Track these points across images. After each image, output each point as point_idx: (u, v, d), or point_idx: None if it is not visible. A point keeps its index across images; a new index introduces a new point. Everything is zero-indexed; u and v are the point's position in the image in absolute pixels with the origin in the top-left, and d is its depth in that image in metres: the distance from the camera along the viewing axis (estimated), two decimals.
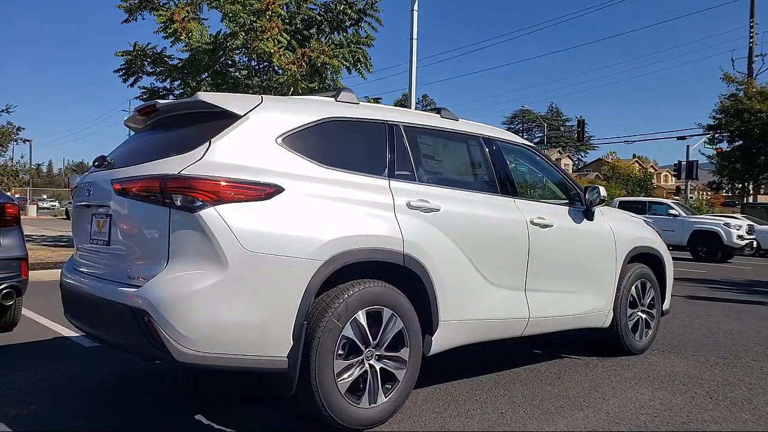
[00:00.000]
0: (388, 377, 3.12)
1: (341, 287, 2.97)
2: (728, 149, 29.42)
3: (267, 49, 12.68)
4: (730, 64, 46.04)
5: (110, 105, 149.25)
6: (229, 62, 14.00)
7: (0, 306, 4.76)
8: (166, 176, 2.66)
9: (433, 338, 3.36)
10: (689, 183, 34.05)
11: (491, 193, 3.86)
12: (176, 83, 14.81)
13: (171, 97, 15.29)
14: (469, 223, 3.58)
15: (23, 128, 24.18)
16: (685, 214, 18.34)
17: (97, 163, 3.28)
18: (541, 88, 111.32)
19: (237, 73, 14.17)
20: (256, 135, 2.93)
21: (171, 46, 13.54)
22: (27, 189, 45.79)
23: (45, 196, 61.25)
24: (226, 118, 2.93)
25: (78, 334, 5.11)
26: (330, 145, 3.21)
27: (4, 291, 4.52)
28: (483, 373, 4.12)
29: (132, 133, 4.01)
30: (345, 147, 3.31)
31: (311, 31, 14.05)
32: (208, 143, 2.79)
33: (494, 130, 4.19)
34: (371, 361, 3.07)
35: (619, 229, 4.62)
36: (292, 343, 2.77)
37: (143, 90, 14.93)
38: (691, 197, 37.89)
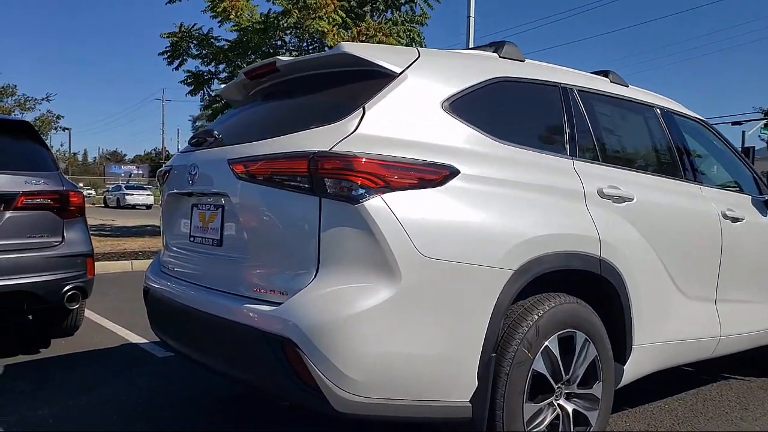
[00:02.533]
0: (579, 422, 2.36)
1: (527, 305, 2.22)
2: None
3: (320, 28, 11.96)
4: None
5: (145, 94, 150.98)
6: (279, 43, 13.31)
7: (63, 309, 4.14)
8: (318, 154, 1.92)
9: (624, 368, 2.59)
10: None
11: (676, 177, 3.05)
12: (221, 66, 14.22)
13: (216, 81, 14.72)
14: (663, 216, 2.79)
15: (62, 116, 23.87)
16: None
17: (196, 140, 2.57)
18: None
19: (287, 55, 13.46)
20: (418, 99, 2.18)
21: (219, 26, 12.94)
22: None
23: (81, 185, 62.00)
24: (376, 78, 2.18)
25: (146, 341, 4.50)
26: (501, 113, 2.45)
27: (69, 293, 3.88)
28: (644, 402, 3.32)
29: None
30: (517, 116, 2.54)
31: (365, 9, 13.25)
32: (360, 110, 2.04)
33: (666, 100, 3.37)
34: (561, 401, 2.32)
35: None
36: (477, 383, 2.03)
37: (188, 74, 14.38)
38: None
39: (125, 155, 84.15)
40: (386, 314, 1.87)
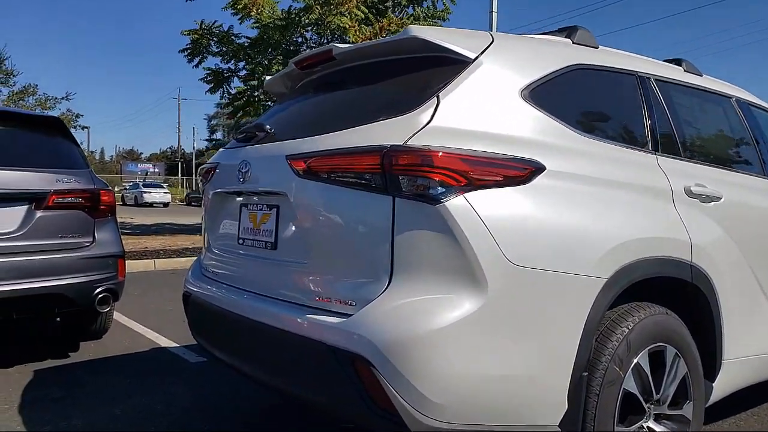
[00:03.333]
0: None
1: (614, 317, 2.00)
2: None
3: (342, 24, 11.79)
4: None
5: (160, 93, 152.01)
6: (299, 40, 13.15)
7: (92, 311, 3.99)
8: (392, 149, 1.71)
9: (714, 385, 2.36)
10: None
11: (759, 174, 2.81)
12: (241, 64, 14.09)
13: (235, 79, 14.61)
14: (751, 217, 2.57)
15: (82, 115, 23.85)
16: None
17: (245, 135, 2.37)
18: None
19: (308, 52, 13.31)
20: (495, 87, 1.96)
21: (240, 23, 12.80)
22: None
23: None
24: (447, 64, 1.97)
25: (176, 344, 4.33)
26: (580, 103, 2.24)
27: (100, 295, 3.72)
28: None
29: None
30: (596, 107, 2.32)
31: (387, 4, 13.05)
32: (434, 99, 1.83)
33: (740, 89, 3.12)
34: (650, 423, 2.09)
35: None
36: (567, 405, 1.81)
37: (207, 71, 14.27)
38: None
39: (141, 153, 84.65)
40: (471, 330, 1.66)
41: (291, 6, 12.27)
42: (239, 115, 14.10)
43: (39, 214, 3.57)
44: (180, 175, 62.72)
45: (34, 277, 3.43)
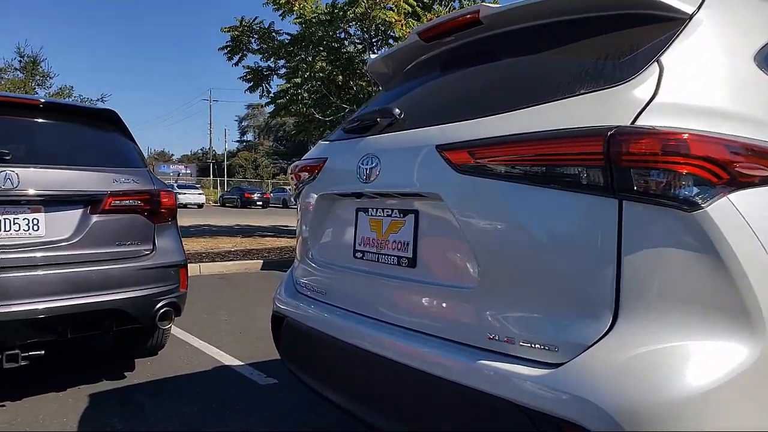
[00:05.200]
0: None
1: None
2: None
3: (388, 19, 11.32)
4: None
5: (192, 94, 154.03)
6: (342, 35, 12.72)
7: (150, 327, 3.58)
8: (620, 131, 1.20)
9: None
10: None
11: None
12: (281, 62, 13.74)
13: (274, 77, 14.27)
14: None
15: None
16: None
17: (360, 124, 1.89)
18: None
19: (351, 47, 12.87)
20: (725, 50, 1.44)
21: (282, 19, 12.42)
22: None
23: None
24: (655, 22, 1.45)
25: (240, 362, 3.89)
26: None
27: (161, 311, 3.29)
28: None
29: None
30: None
31: None
32: (656, 66, 1.32)
33: None
34: None
35: None
36: None
37: (247, 69, 13.96)
38: None
39: (172, 155, 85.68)
40: (751, 391, 1.14)
41: (336, 0, 11.84)
42: (282, 113, 13.74)
43: (95, 218, 3.15)
44: (212, 176, 63.16)
45: (90, 290, 3.02)
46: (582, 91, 1.34)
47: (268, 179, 62.61)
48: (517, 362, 1.30)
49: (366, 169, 1.74)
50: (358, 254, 1.85)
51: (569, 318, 1.26)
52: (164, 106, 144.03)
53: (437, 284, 1.55)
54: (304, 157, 2.26)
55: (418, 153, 1.56)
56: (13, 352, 2.85)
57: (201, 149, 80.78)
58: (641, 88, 1.28)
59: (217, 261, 9.04)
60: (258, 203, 37.16)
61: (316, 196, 2.06)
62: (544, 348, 1.27)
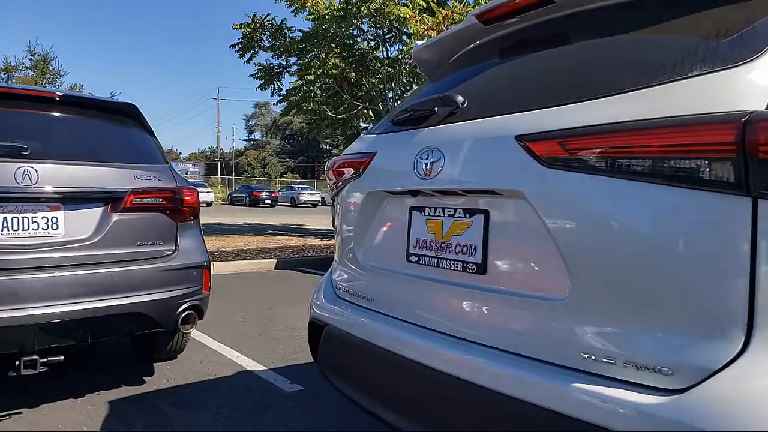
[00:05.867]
0: None
1: None
2: None
3: (402, 15, 11.14)
4: None
5: (199, 93, 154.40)
6: (355, 32, 12.55)
7: (172, 331, 3.43)
8: (756, 118, 1.03)
9: None
10: None
11: None
12: (292, 59, 13.58)
13: (286, 74, 14.12)
14: None
15: None
16: None
17: (411, 115, 1.72)
18: None
19: (364, 44, 12.71)
20: None
21: (294, 16, 12.27)
22: None
23: None
24: None
25: (263, 367, 3.73)
26: None
27: (183, 314, 3.13)
28: None
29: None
30: None
31: None
32: None
33: None
34: None
35: None
36: None
37: (258, 67, 13.82)
38: None
39: (180, 153, 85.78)
40: None
41: None
42: (294, 111, 13.59)
43: (115, 217, 3.00)
44: (219, 174, 63.19)
45: (111, 293, 2.86)
46: (694, 73, 1.16)
47: (276, 178, 62.58)
48: (619, 386, 1.13)
49: (425, 164, 1.57)
50: (412, 258, 1.68)
51: (688, 336, 1.08)
52: (172, 104, 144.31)
53: (514, 294, 1.38)
54: (345, 152, 2.09)
55: (494, 145, 1.39)
56: (31, 358, 2.70)
57: (209, 148, 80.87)
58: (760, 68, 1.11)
59: (230, 260, 8.89)
60: (266, 202, 37.05)
61: (362, 194, 1.89)
62: (655, 371, 1.10)
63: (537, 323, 1.32)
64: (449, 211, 1.57)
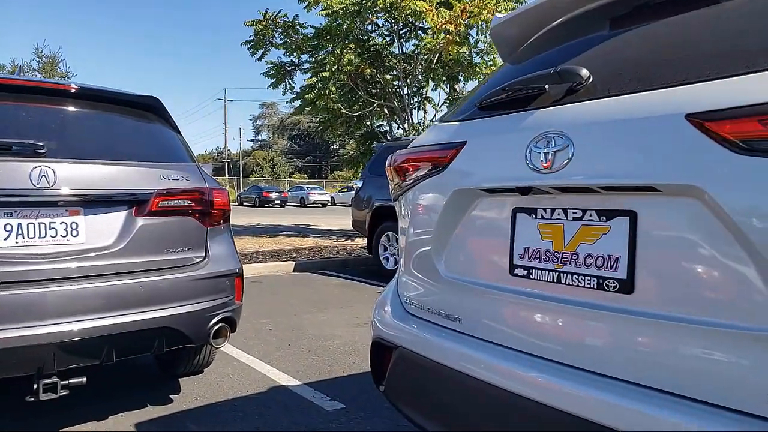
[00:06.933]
0: None
1: None
2: None
3: (418, 9, 10.84)
4: None
5: (205, 95, 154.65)
6: (370, 27, 12.26)
7: (201, 346, 3.13)
8: None
9: None
10: None
11: None
12: (304, 57, 13.30)
13: (297, 72, 13.85)
14: None
15: None
16: None
17: (513, 94, 1.42)
18: None
19: (378, 39, 12.41)
20: None
21: (307, 12, 12.00)
22: None
23: None
24: None
25: (297, 382, 3.44)
26: None
27: (216, 327, 2.84)
28: None
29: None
30: None
31: None
32: None
33: None
34: None
35: None
36: None
37: (270, 65, 13.55)
38: None
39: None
40: None
41: None
42: (307, 109, 13.31)
43: (141, 222, 2.71)
44: (227, 175, 63.07)
45: (137, 306, 2.57)
46: None
47: (285, 178, 62.41)
48: None
49: (545, 154, 1.26)
50: (519, 271, 1.38)
51: None
52: (179, 105, 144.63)
53: (682, 320, 1.06)
54: (416, 144, 1.79)
55: (652, 127, 1.08)
56: (51, 380, 2.42)
57: (216, 148, 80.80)
58: None
59: (246, 262, 8.61)
60: (276, 202, 36.82)
61: (445, 192, 1.58)
62: None
63: (718, 360, 1.00)
64: (574, 213, 1.26)
